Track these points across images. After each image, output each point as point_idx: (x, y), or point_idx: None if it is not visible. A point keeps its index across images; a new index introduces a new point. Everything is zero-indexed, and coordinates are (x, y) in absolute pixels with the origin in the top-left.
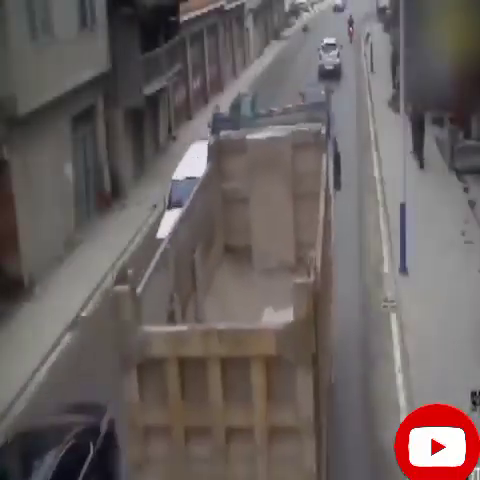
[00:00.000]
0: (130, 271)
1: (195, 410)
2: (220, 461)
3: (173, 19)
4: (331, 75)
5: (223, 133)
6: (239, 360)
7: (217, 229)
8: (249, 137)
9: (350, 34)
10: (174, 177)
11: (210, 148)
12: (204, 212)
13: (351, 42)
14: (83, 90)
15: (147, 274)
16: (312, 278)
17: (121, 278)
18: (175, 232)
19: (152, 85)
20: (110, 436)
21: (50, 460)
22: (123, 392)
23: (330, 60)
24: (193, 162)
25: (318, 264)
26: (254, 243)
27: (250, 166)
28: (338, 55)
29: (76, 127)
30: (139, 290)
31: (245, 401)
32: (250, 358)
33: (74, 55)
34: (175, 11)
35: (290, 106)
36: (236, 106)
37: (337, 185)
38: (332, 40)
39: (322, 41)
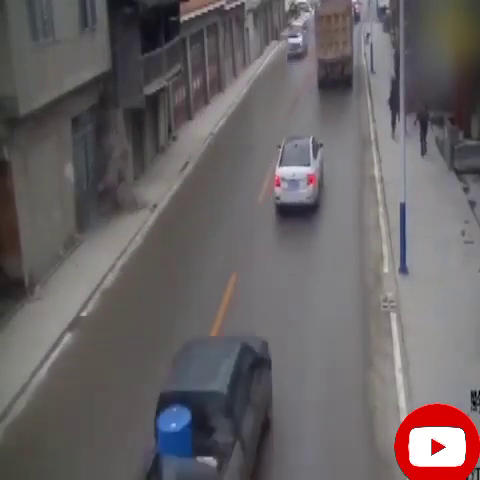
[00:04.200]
0: None
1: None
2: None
3: (174, 19)
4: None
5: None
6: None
7: None
8: None
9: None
10: None
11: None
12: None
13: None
14: (84, 90)
15: None
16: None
17: None
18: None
19: (152, 85)
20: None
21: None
22: None
23: None
24: None
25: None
26: None
27: (332, 6)
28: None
29: (77, 127)
30: None
31: (338, 31)
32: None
33: (75, 55)
34: (176, 11)
35: None
36: None
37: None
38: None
39: None
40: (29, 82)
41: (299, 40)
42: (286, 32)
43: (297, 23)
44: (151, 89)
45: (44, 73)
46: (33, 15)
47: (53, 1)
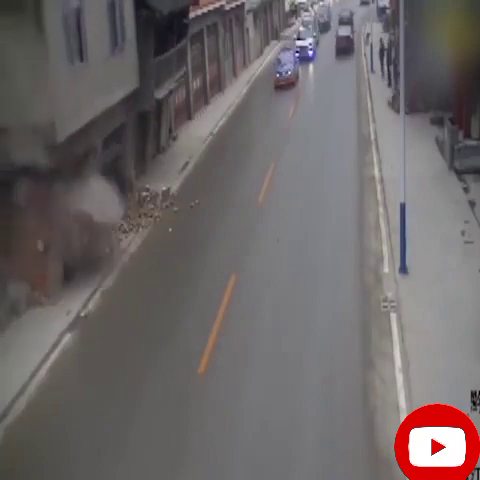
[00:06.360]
0: None
1: None
2: None
3: (185, 22)
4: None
5: None
6: None
7: None
8: None
9: None
10: None
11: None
12: None
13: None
14: (116, 110)
15: None
16: None
17: None
18: None
19: (163, 88)
20: None
21: None
22: None
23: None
24: None
25: None
26: None
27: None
28: None
29: (107, 145)
30: None
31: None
32: None
33: (107, 76)
34: (186, 14)
35: None
36: None
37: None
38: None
39: None
40: (65, 107)
41: (307, 42)
42: (286, 32)
43: (307, 17)
44: (162, 92)
45: (79, 97)
46: (68, 38)
47: (86, 23)
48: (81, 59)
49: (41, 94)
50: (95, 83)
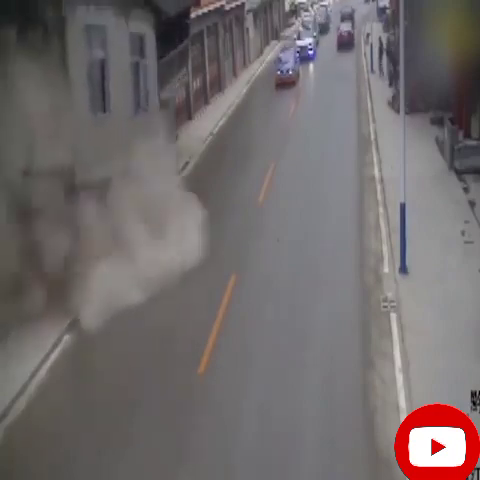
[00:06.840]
0: None
1: None
2: None
3: (186, 22)
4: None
5: None
6: None
7: None
8: None
9: None
10: None
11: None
12: None
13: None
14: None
15: None
16: None
17: None
18: None
19: (167, 91)
20: None
21: None
22: None
23: None
24: None
25: None
26: None
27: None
28: None
29: None
30: None
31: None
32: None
33: (129, 135)
34: (187, 14)
35: None
36: None
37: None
38: None
39: None
40: (85, 153)
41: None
42: (286, 32)
43: (307, 18)
44: (166, 95)
45: (100, 146)
46: (92, 87)
47: (110, 74)
48: (104, 110)
49: (62, 138)
50: (117, 139)
